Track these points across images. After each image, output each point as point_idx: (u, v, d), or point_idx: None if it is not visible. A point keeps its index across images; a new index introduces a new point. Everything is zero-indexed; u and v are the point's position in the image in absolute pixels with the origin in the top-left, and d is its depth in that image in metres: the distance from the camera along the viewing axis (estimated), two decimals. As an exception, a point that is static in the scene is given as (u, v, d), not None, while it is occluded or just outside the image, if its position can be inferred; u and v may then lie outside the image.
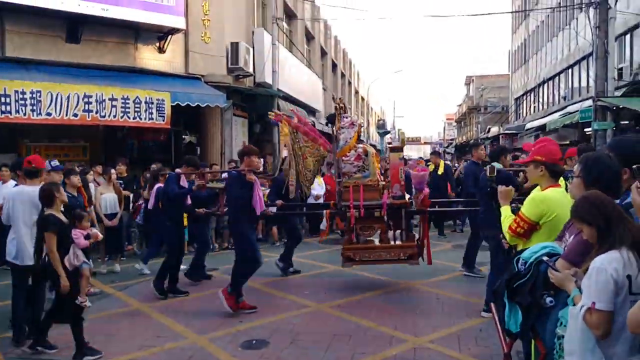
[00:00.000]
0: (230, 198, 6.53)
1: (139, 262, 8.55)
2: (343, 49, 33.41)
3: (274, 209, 7.95)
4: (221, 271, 8.41)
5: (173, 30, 12.12)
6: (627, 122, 15.61)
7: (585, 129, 17.97)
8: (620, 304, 2.34)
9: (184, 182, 7.13)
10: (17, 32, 10.30)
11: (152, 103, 11.05)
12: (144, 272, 8.23)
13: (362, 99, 43.31)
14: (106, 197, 8.60)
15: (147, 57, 12.16)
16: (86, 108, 10.17)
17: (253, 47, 14.69)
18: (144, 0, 11.24)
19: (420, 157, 18.94)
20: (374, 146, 10.05)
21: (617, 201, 2.67)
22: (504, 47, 41.99)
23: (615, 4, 15.08)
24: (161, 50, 12.36)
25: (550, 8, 25.29)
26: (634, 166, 2.45)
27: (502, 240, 3.90)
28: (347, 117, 7.33)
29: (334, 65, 30.00)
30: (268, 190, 8.74)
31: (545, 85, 29.30)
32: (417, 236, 7.36)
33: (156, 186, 8.07)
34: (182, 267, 7.50)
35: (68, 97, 9.93)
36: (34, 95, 9.55)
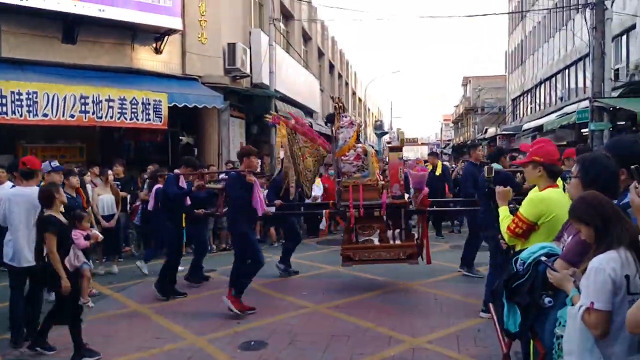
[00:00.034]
0: (230, 198, 6.53)
1: (140, 260, 8.53)
2: (340, 49, 33.44)
3: (272, 209, 7.95)
4: (219, 272, 8.40)
5: (170, 31, 12.12)
6: (623, 122, 15.65)
7: (582, 130, 18.02)
8: (619, 303, 2.35)
9: (182, 183, 7.11)
10: (13, 32, 10.28)
11: (149, 104, 11.04)
12: (144, 271, 8.21)
13: (360, 100, 43.35)
14: (103, 199, 8.58)
15: (144, 57, 12.15)
16: (83, 109, 10.16)
17: (250, 48, 14.69)
18: (141, 1, 11.23)
19: (417, 158, 18.99)
20: (371, 147, 10.05)
21: (615, 201, 2.68)
22: (503, 48, 42.17)
23: (612, 5, 15.10)
24: (158, 51, 12.35)
25: (547, 9, 25.36)
26: (632, 167, 2.45)
27: (500, 241, 3.90)
28: (346, 117, 7.33)
29: (331, 66, 30.02)
30: (266, 191, 8.74)
31: (542, 86, 29.38)
32: (416, 236, 7.36)
33: (155, 187, 8.06)
34: (180, 268, 7.49)
35: (64, 98, 9.92)
36: (30, 96, 9.54)
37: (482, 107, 47.70)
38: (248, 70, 14.33)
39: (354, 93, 39.50)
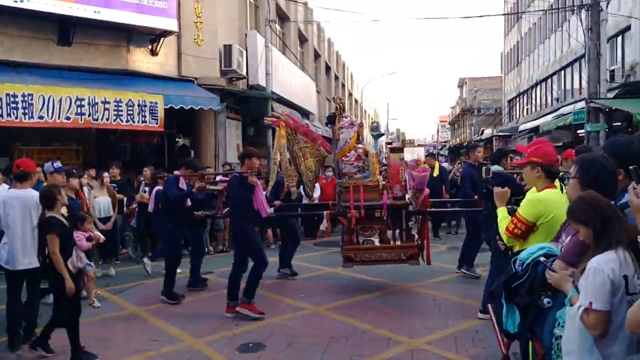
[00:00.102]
0: (231, 199, 6.51)
1: (144, 258, 8.49)
2: (336, 51, 33.47)
3: (271, 210, 7.93)
4: (216, 274, 8.38)
5: (165, 33, 12.09)
6: (619, 123, 15.70)
7: (578, 131, 18.05)
8: (617, 304, 2.35)
9: (182, 185, 7.08)
10: (8, 34, 10.24)
11: (145, 106, 11.01)
12: (148, 270, 8.17)
13: (356, 101, 43.39)
14: (100, 201, 8.56)
15: (140, 59, 12.12)
16: (79, 111, 10.12)
17: (246, 50, 14.67)
18: (136, 3, 11.20)
19: (414, 159, 19.00)
20: (368, 148, 10.05)
21: (612, 202, 2.68)
22: (499, 49, 42.45)
23: (607, 6, 15.16)
24: (154, 52, 12.32)
25: (543, 10, 25.43)
26: (631, 167, 2.45)
27: (498, 242, 3.90)
28: (346, 117, 7.32)
29: (328, 68, 30.04)
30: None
31: (538, 87, 29.46)
32: (416, 236, 7.36)
33: (155, 189, 8.05)
34: (177, 270, 7.44)
35: (60, 100, 9.88)
36: (26, 99, 9.49)
37: (478, 108, 47.80)
38: (244, 72, 14.31)
39: (350, 94, 39.54)
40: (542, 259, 2.86)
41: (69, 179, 6.71)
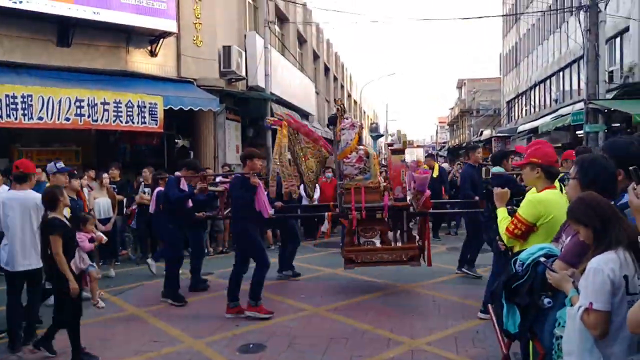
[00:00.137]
0: (233, 200, 6.50)
1: (150, 258, 8.50)
2: (335, 52, 33.49)
3: (271, 212, 7.93)
4: (216, 275, 8.39)
5: (165, 34, 12.10)
6: (618, 124, 15.72)
7: (577, 132, 18.08)
8: (618, 304, 2.36)
9: (184, 186, 7.08)
10: (8, 35, 10.25)
11: (145, 107, 11.01)
12: (152, 270, 8.18)
13: (355, 102, 43.40)
14: (99, 202, 8.56)
15: (139, 60, 12.13)
16: (78, 112, 10.12)
17: (245, 51, 14.68)
18: (136, 4, 11.21)
19: (414, 160, 18.99)
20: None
21: (612, 202, 2.69)
22: (498, 50, 42.52)
23: (605, 7, 15.18)
24: (153, 53, 12.33)
25: (541, 11, 25.46)
26: (631, 168, 2.46)
27: (498, 242, 3.91)
28: (347, 119, 7.32)
29: (327, 69, 30.05)
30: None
31: (537, 88, 29.49)
32: (417, 237, 7.37)
33: (156, 190, 8.04)
34: (180, 272, 7.42)
35: (60, 101, 9.88)
36: (25, 100, 9.49)
37: (477, 109, 47.81)
38: (243, 73, 14.32)
39: (349, 95, 39.55)
40: (542, 259, 2.86)
41: (70, 180, 6.70)
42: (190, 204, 7.20)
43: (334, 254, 10.08)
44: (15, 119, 9.39)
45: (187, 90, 12.49)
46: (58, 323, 5.00)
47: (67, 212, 5.58)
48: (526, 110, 32.73)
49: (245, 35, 15.30)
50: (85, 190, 8.56)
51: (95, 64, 11.34)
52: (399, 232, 7.33)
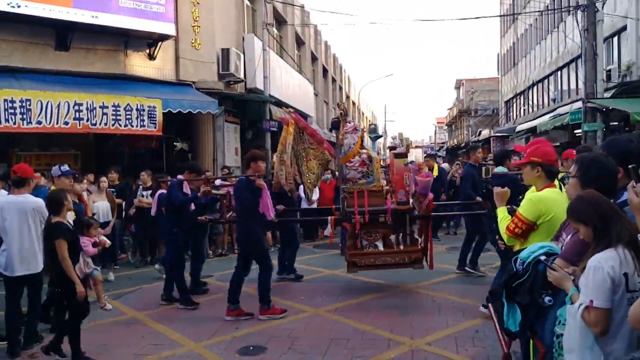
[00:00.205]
0: (238, 202, 6.50)
1: (157, 264, 8.49)
2: (333, 54, 33.51)
3: (273, 214, 7.92)
4: (216, 278, 8.38)
5: (163, 37, 12.12)
6: (616, 123, 15.73)
7: (576, 131, 18.10)
8: (618, 301, 2.36)
9: (187, 189, 7.07)
10: (6, 40, 10.26)
11: (144, 110, 11.01)
12: (162, 275, 8.15)
13: (353, 103, 43.41)
14: (98, 206, 8.54)
15: (138, 64, 12.14)
16: (77, 116, 10.12)
17: (244, 53, 14.71)
18: (134, 8, 11.22)
19: (412, 161, 18.97)
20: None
21: (612, 200, 2.69)
22: (496, 50, 42.71)
23: (603, 6, 15.21)
24: (151, 57, 12.34)
25: (539, 11, 25.50)
26: (630, 166, 2.46)
27: (499, 241, 3.91)
28: (350, 122, 7.32)
29: (325, 71, 30.08)
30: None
31: (535, 87, 29.52)
32: (419, 240, 7.36)
33: (158, 192, 8.02)
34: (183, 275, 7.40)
35: (58, 105, 9.88)
36: (24, 104, 9.50)
37: (475, 109, 47.82)
38: (242, 76, 14.33)
39: (347, 97, 39.56)
40: (542, 257, 2.86)
41: (73, 183, 6.70)
42: (193, 207, 7.19)
43: (333, 255, 10.09)
44: (14, 123, 9.39)
45: (186, 93, 12.50)
46: (65, 326, 4.98)
47: (71, 215, 5.59)
48: (524, 109, 32.76)
49: (243, 38, 15.33)
50: (85, 194, 8.56)
51: (94, 68, 11.35)
52: (401, 235, 7.32)
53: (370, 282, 7.81)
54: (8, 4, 9.61)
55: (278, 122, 15.65)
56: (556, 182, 3.68)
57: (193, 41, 13.05)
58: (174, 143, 14.76)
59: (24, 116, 9.49)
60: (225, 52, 13.44)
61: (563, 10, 21.63)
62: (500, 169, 7.03)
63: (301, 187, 8.54)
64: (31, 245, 5.20)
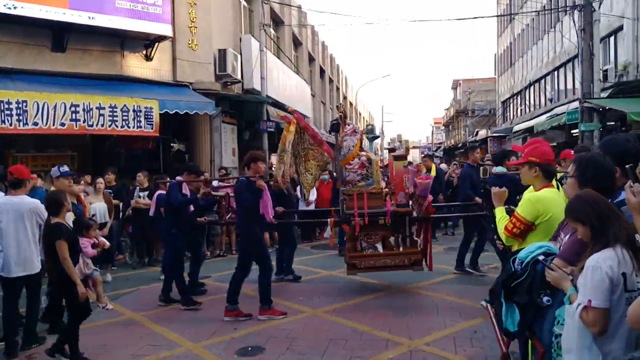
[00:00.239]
0: (239, 203, 6.49)
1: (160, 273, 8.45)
2: (331, 54, 33.51)
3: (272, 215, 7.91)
4: (214, 279, 8.37)
5: (160, 38, 12.10)
6: (613, 123, 15.75)
7: (573, 131, 18.12)
8: (616, 301, 2.36)
9: (186, 190, 7.05)
10: (2, 41, 10.23)
11: (140, 111, 10.99)
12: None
13: (351, 104, 43.43)
14: (95, 207, 8.53)
15: (134, 65, 12.12)
16: (73, 117, 10.09)
17: (241, 54, 14.70)
18: (131, 8, 11.20)
19: (410, 162, 18.96)
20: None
21: (609, 200, 2.69)
22: (493, 50, 42.96)
23: (599, 6, 15.24)
24: (148, 58, 12.32)
25: (536, 11, 25.54)
26: (627, 166, 2.47)
27: (497, 241, 3.91)
28: (349, 125, 7.32)
29: (322, 71, 30.07)
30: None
31: (532, 87, 29.56)
32: (419, 241, 7.36)
33: (157, 193, 8.01)
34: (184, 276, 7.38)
35: (55, 106, 9.85)
36: (20, 105, 9.47)
37: (472, 109, 47.89)
38: (239, 76, 14.32)
39: (344, 97, 39.56)
40: (541, 257, 2.87)
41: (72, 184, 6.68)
42: (192, 208, 7.18)
43: (331, 256, 10.10)
44: (10, 124, 9.36)
45: (183, 94, 12.47)
46: (69, 325, 4.96)
47: (70, 216, 5.58)
48: (521, 109, 32.81)
49: (240, 39, 15.31)
50: (82, 195, 8.54)
51: (91, 69, 11.32)
52: (400, 237, 7.32)
53: (368, 282, 7.81)
54: (4, 5, 9.58)
55: (275, 122, 15.67)
56: (554, 182, 3.69)
57: (190, 42, 13.03)
58: (171, 144, 14.73)
59: (20, 117, 9.47)
60: (222, 53, 13.43)
61: (560, 10, 21.68)
62: (499, 169, 7.05)
63: (298, 187, 8.53)
64: (28, 247, 5.19)
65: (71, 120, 10.07)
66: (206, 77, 13.30)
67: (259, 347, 5.22)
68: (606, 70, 17.94)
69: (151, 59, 12.32)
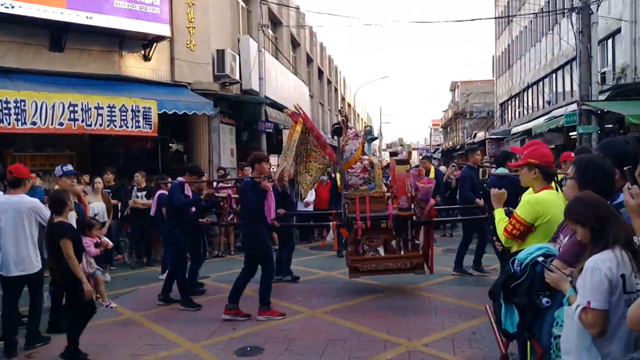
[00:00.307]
0: (244, 204, 6.49)
1: (160, 274, 8.45)
2: (329, 55, 33.55)
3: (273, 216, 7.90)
4: (212, 279, 8.36)
5: (158, 38, 12.09)
6: (611, 125, 15.79)
7: (571, 133, 18.16)
8: (615, 302, 2.37)
9: (188, 191, 7.03)
10: (0, 40, 10.20)
11: (139, 111, 10.98)
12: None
13: (349, 105, 43.47)
14: (94, 207, 8.50)
15: (133, 65, 12.11)
16: (72, 117, 10.08)
17: (239, 55, 14.70)
18: (129, 8, 11.19)
19: (416, 166, 18.92)
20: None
21: (608, 202, 2.70)
22: (491, 52, 43.08)
23: (597, 9, 15.28)
24: (146, 58, 12.31)
25: (534, 14, 25.59)
26: (625, 168, 2.48)
27: (496, 243, 3.92)
28: (351, 129, 7.33)
29: (320, 72, 30.09)
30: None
31: (530, 90, 29.60)
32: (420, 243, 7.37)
33: (158, 192, 7.99)
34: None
35: (53, 106, 9.84)
36: (18, 105, 9.45)
37: (470, 111, 47.94)
38: (237, 77, 14.32)
39: (343, 99, 39.60)
40: (540, 259, 2.87)
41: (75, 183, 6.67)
42: (193, 209, 7.17)
43: (330, 256, 10.10)
44: (9, 124, 9.35)
45: (181, 94, 12.47)
46: (74, 325, 4.95)
47: (73, 215, 5.58)
48: (519, 112, 32.86)
49: (238, 39, 15.31)
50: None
51: (89, 69, 11.31)
52: (402, 240, 7.32)
53: (367, 283, 7.82)
54: (2, 5, 9.57)
55: (274, 123, 15.67)
56: (552, 184, 3.70)
57: (188, 42, 13.03)
58: (170, 144, 14.74)
59: (19, 117, 9.45)
60: (221, 54, 13.43)
61: (558, 12, 21.71)
62: (501, 170, 7.06)
63: (295, 187, 8.53)
64: (25, 246, 5.19)
65: (69, 120, 10.06)
66: (204, 77, 13.30)
67: (257, 348, 5.22)
68: (604, 73, 17.98)
69: (149, 59, 12.32)
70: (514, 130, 27.02)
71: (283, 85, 18.55)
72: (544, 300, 2.80)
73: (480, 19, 54.76)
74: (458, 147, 47.04)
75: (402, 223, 6.99)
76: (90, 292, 4.77)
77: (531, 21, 27.71)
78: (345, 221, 7.15)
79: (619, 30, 17.12)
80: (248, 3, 17.27)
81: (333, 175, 11.38)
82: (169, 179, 8.03)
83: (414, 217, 7.01)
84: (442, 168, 15.55)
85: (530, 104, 30.22)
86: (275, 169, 7.53)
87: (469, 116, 47.69)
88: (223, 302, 6.31)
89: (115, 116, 10.66)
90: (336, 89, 36.26)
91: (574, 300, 2.46)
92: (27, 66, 10.51)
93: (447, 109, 64.45)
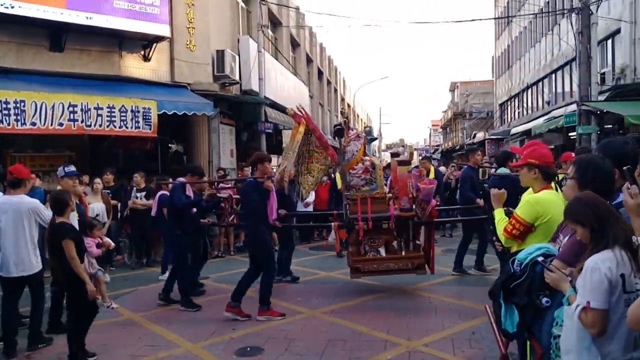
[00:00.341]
0: (246, 204, 6.49)
1: (160, 275, 8.44)
2: (328, 56, 33.56)
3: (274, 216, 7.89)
4: (212, 279, 8.36)
5: (158, 38, 12.08)
6: (611, 125, 15.80)
7: (570, 134, 18.17)
8: (615, 302, 2.37)
9: (189, 192, 7.03)
10: (0, 41, 10.20)
11: (139, 112, 10.98)
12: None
13: (349, 105, 43.48)
14: (94, 207, 8.49)
15: (132, 65, 12.11)
16: (71, 117, 10.08)
17: (239, 55, 14.69)
18: (129, 9, 11.19)
19: (416, 166, 18.91)
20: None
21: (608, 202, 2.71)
22: (492, 52, 42.77)
23: (597, 9, 15.29)
24: (146, 58, 12.31)
25: (533, 14, 25.60)
26: (624, 168, 2.48)
27: (495, 243, 3.92)
28: (352, 130, 7.33)
29: (320, 73, 30.10)
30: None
31: (529, 90, 29.61)
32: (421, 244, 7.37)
33: (159, 193, 7.97)
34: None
35: (53, 106, 9.84)
36: (18, 105, 9.45)
37: (470, 112, 47.96)
38: (237, 77, 14.32)
39: (342, 99, 39.61)
40: (540, 259, 2.88)
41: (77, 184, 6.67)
42: (194, 210, 7.17)
43: (329, 257, 10.09)
44: (8, 124, 9.34)
45: (181, 94, 12.47)
46: (79, 325, 4.95)
47: (75, 216, 5.57)
48: (519, 112, 32.87)
49: (238, 40, 15.31)
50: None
51: (88, 69, 11.30)
52: (404, 241, 7.33)
53: (367, 283, 7.81)
54: (1, 5, 9.55)
55: (273, 124, 15.67)
56: (552, 184, 3.70)
57: (188, 43, 13.03)
58: (169, 145, 14.74)
59: (18, 117, 9.45)
60: (220, 54, 13.43)
61: (557, 13, 21.73)
62: (502, 170, 7.07)
63: (296, 187, 8.53)
64: (25, 246, 5.19)
65: (69, 120, 10.06)
66: (204, 77, 13.30)
67: (257, 348, 5.22)
68: (604, 73, 17.99)
69: (149, 60, 12.31)
70: (514, 130, 27.04)
71: (283, 86, 18.56)
72: (544, 300, 2.81)
73: (480, 20, 54.76)
74: (457, 147, 47.05)
75: (403, 224, 6.99)
76: (93, 292, 4.77)
77: (531, 22, 27.73)
78: (346, 222, 7.15)
79: (618, 31, 17.14)
80: (248, 3, 17.28)
81: (332, 175, 11.37)
82: (170, 180, 8.02)
83: (416, 218, 7.02)
84: (442, 168, 15.55)
85: (529, 104, 30.23)
86: (275, 169, 7.51)
87: (469, 117, 47.70)
88: (223, 303, 6.31)
89: (114, 117, 10.66)
90: (336, 90, 36.27)
91: (573, 300, 2.47)
92: (26, 66, 10.50)
93: (446, 109, 64.49)
